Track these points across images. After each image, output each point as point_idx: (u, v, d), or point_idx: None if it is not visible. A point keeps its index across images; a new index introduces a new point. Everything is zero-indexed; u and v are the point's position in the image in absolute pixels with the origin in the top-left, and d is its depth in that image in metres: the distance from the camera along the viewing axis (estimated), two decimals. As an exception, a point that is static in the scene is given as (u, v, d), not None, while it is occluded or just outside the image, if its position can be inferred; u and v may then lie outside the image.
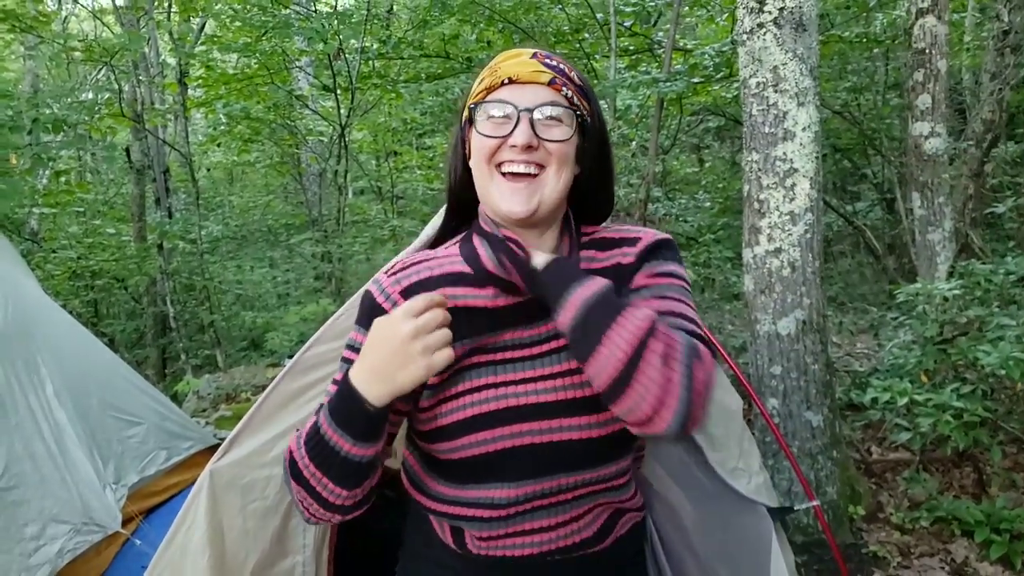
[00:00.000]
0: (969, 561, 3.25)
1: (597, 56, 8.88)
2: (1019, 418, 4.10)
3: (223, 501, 1.36)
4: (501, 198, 1.17)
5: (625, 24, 8.36)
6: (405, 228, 8.53)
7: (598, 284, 1.07)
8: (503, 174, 1.18)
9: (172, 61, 8.43)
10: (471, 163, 1.23)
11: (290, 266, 10.24)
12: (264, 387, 1.80)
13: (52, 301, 3.34)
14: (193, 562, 1.31)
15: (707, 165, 11.32)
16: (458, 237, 1.32)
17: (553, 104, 1.17)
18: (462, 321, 1.18)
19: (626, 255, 1.27)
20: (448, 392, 1.20)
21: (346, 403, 1.06)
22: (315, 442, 1.08)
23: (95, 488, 2.59)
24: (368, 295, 1.24)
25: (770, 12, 3.32)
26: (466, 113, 1.24)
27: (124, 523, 2.62)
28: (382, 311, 1.18)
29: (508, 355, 1.21)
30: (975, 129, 6.99)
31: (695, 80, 7.12)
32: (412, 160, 10.73)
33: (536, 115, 1.15)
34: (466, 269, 1.24)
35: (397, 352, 1.03)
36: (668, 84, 6.72)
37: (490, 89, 1.19)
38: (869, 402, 3.63)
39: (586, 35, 8.62)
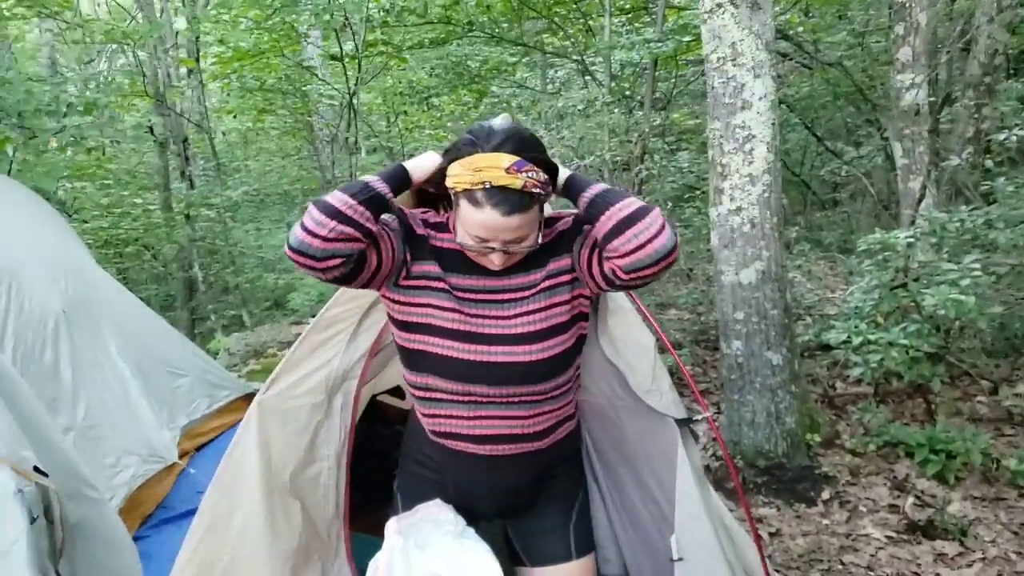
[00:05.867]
0: (909, 478, 3.72)
1: (594, 15, 9.18)
2: (970, 353, 4.53)
3: (268, 423, 1.84)
4: (486, 263, 1.67)
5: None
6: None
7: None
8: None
9: (182, 25, 8.81)
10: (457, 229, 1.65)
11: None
12: (289, 343, 2.24)
13: (104, 271, 3.81)
14: (249, 466, 1.80)
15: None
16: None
17: (520, 238, 1.59)
18: (443, 256, 1.71)
19: (565, 224, 1.77)
20: (426, 299, 1.70)
21: (397, 171, 1.63)
22: (356, 187, 1.56)
23: (155, 428, 3.11)
24: (402, 210, 1.75)
25: (728, -6, 3.69)
26: (450, 183, 1.57)
27: (180, 456, 3.13)
28: (403, 212, 1.73)
29: (473, 296, 1.71)
30: (972, 73, 7.21)
31: (687, 39, 7.39)
32: (421, 120, 11.10)
33: (510, 243, 1.59)
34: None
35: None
36: (659, 44, 7.04)
37: (472, 187, 1.51)
38: (833, 342, 4.08)
39: (583, -6, 8.90)
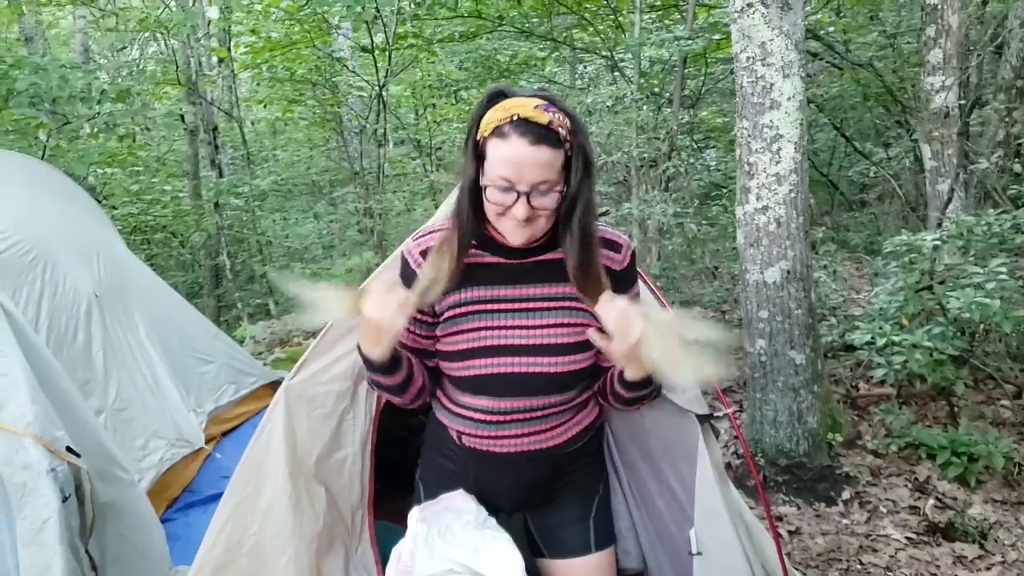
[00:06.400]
0: (930, 480, 3.70)
1: (624, 11, 9.16)
2: (995, 357, 4.50)
3: (295, 408, 1.88)
4: (507, 233, 1.62)
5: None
6: (442, 182, 9.05)
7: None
8: (506, 216, 1.59)
9: (215, 15, 8.90)
10: (484, 205, 1.61)
11: (334, 216, 10.79)
12: (314, 332, 2.28)
13: (135, 256, 3.88)
14: (275, 449, 1.84)
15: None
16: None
17: (544, 183, 1.53)
18: (469, 272, 1.69)
19: (613, 260, 1.71)
20: (457, 328, 1.72)
21: (363, 358, 1.68)
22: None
23: (182, 412, 3.17)
24: (401, 255, 1.76)
25: (758, -7, 3.68)
26: (477, 135, 1.57)
27: (206, 441, 3.19)
28: (410, 267, 1.72)
29: (501, 307, 1.71)
30: (1004, 76, 7.13)
31: (716, 37, 7.35)
32: (449, 113, 11.13)
33: (533, 193, 1.54)
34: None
35: (367, 334, 1.60)
36: (689, 42, 7.02)
37: (500, 123, 1.52)
38: (856, 343, 4.06)
39: (614, -8, 8.87)
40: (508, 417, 1.72)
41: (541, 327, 1.70)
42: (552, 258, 1.71)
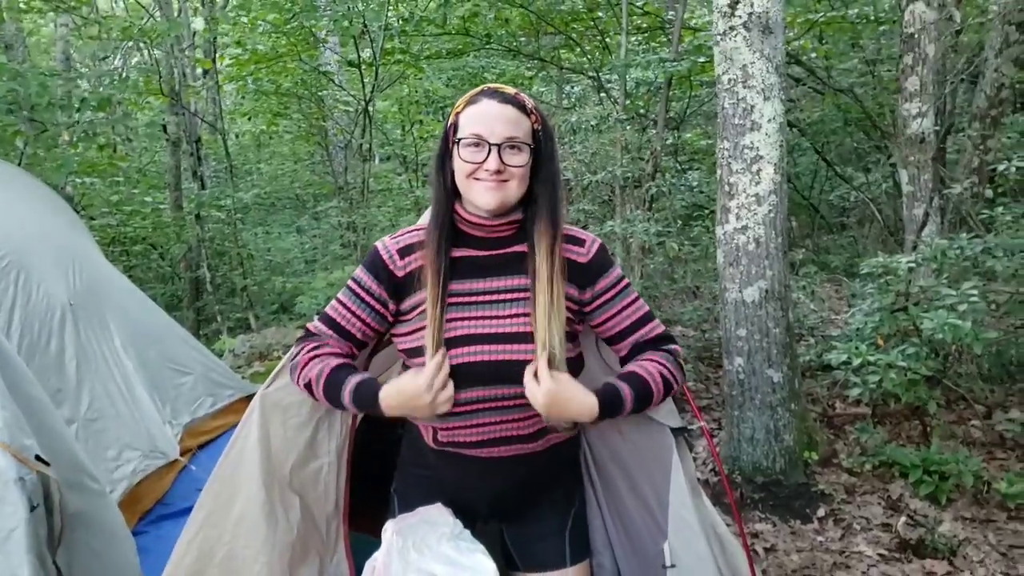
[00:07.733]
0: (903, 498, 3.73)
1: (611, 32, 9.23)
2: (966, 378, 4.55)
3: (270, 417, 1.87)
4: (479, 196, 1.68)
5: (638, 3, 8.67)
6: (427, 198, 9.06)
7: (630, 395, 1.73)
8: (478, 179, 1.67)
9: (200, 25, 8.89)
10: (456, 175, 1.71)
11: (317, 231, 10.77)
12: (292, 344, 2.27)
13: (112, 266, 3.86)
14: (249, 458, 1.83)
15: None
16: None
17: (513, 138, 1.65)
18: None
19: (578, 254, 1.79)
20: (415, 327, 1.74)
21: (369, 403, 1.71)
22: (332, 392, 1.74)
23: (157, 423, 3.14)
24: (375, 249, 1.80)
25: (740, 16, 3.73)
26: (452, 119, 1.71)
27: (182, 453, 3.16)
28: (383, 260, 1.77)
29: (470, 299, 1.74)
30: (979, 105, 7.25)
31: (701, 60, 7.42)
32: (436, 130, 11.13)
33: (503, 148, 1.64)
34: None
35: (417, 406, 1.67)
36: (674, 64, 7.09)
37: (472, 96, 1.68)
38: (833, 362, 4.10)
39: (600, 14, 8.95)
40: (480, 406, 1.71)
41: (509, 316, 1.72)
42: (521, 251, 1.76)
